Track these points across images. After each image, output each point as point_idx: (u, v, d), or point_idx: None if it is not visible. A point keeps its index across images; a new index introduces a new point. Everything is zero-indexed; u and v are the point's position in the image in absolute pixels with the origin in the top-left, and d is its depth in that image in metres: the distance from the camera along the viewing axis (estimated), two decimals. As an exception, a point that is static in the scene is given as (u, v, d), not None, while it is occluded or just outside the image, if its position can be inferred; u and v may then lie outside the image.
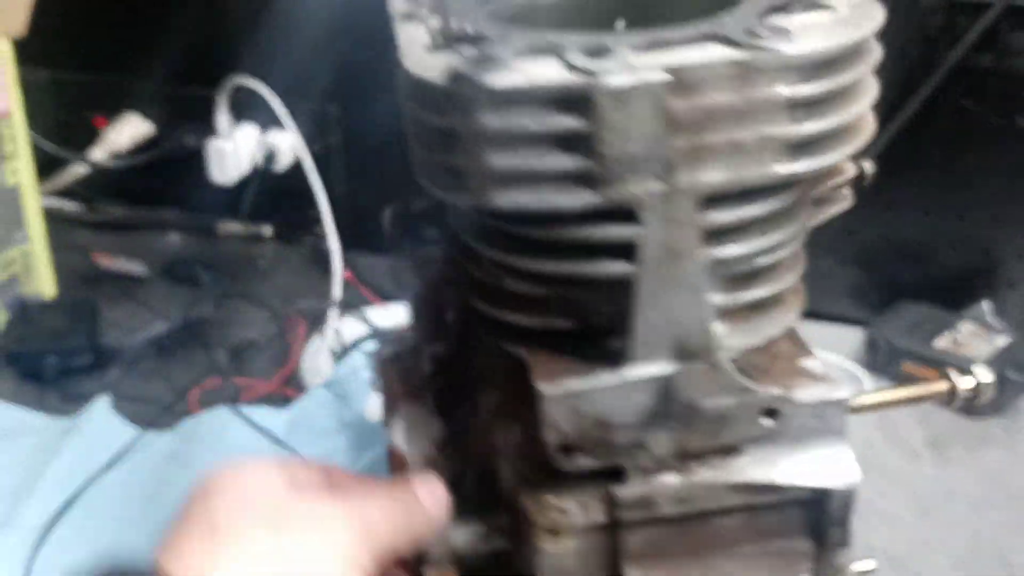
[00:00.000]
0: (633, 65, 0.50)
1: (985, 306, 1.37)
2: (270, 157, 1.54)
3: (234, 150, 1.53)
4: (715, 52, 0.52)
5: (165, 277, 1.53)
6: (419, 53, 0.54)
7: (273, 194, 1.59)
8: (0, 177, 1.37)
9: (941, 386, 0.66)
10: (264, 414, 1.20)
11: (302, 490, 0.53)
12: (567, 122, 0.50)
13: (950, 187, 1.35)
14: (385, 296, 1.43)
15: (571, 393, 0.55)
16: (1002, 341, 1.30)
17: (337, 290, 1.39)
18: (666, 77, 0.49)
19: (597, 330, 0.58)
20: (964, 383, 0.65)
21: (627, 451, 0.57)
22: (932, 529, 1.11)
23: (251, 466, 0.54)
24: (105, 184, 1.68)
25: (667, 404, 0.57)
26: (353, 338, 1.32)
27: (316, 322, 1.37)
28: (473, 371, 0.67)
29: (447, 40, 0.54)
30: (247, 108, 1.54)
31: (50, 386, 1.28)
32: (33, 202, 1.43)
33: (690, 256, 0.54)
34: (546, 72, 0.50)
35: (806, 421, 0.60)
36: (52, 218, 1.51)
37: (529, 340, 0.59)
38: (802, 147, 0.54)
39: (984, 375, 0.66)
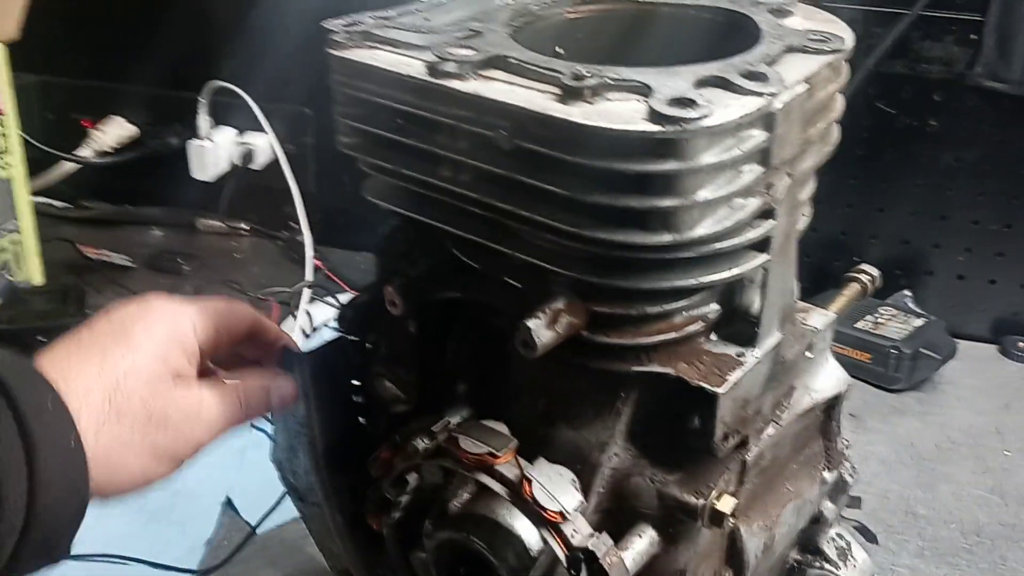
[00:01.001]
0: (785, 81, 0.55)
1: (906, 293, 1.50)
2: (247, 156, 1.65)
3: (214, 150, 1.63)
4: (813, 60, 0.59)
5: (148, 268, 1.62)
6: (563, 107, 0.53)
7: (250, 191, 1.69)
8: (-6, 171, 1.46)
9: (856, 287, 0.82)
10: (239, 386, 1.29)
11: (187, 369, 0.58)
12: (756, 142, 0.55)
13: (871, 183, 1.47)
14: (352, 286, 1.53)
15: (734, 385, 0.60)
16: (918, 322, 1.42)
17: (309, 275, 1.50)
18: (806, 86, 0.57)
19: (715, 325, 0.63)
20: (865, 278, 0.81)
21: (753, 420, 0.64)
22: (847, 486, 1.22)
23: (167, 315, 0.58)
24: (91, 183, 1.77)
25: (772, 367, 0.64)
26: (322, 320, 1.42)
27: (288, 306, 1.47)
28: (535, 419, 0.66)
29: (576, 89, 0.53)
30: (227, 111, 1.65)
31: (39, 364, 1.37)
32: (23, 195, 1.52)
33: (795, 236, 0.63)
34: (744, 102, 0.53)
35: (819, 344, 0.72)
36: (40, 215, 1.59)
37: (657, 356, 0.61)
38: (836, 128, 0.66)
39: (871, 268, 0.81)
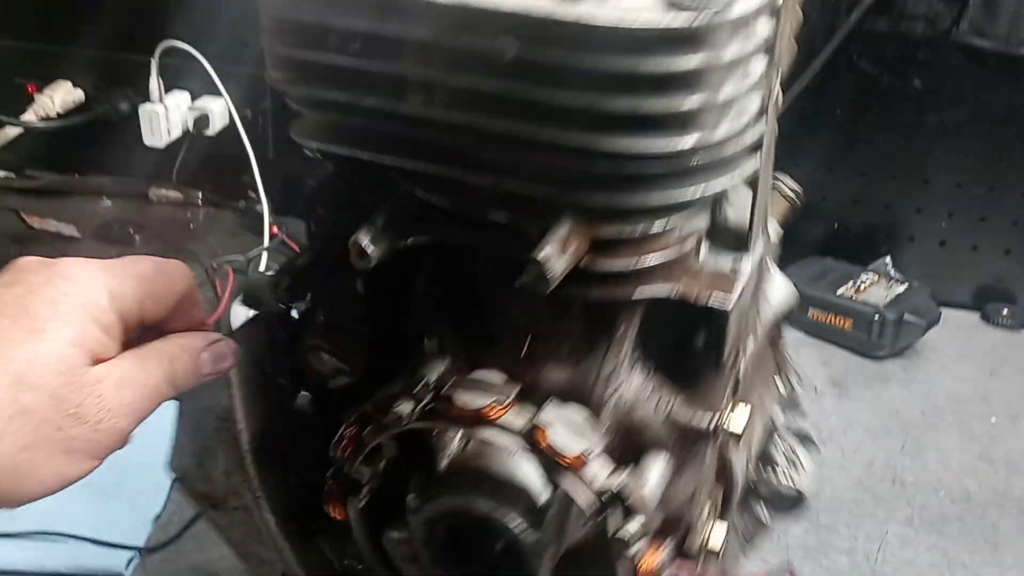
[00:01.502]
0: None
1: (887, 259, 1.46)
2: (202, 122, 1.57)
3: (166, 115, 1.56)
4: None
5: (97, 239, 1.55)
6: (570, 7, 0.49)
7: (205, 159, 1.62)
8: (-71, 133, 1.38)
9: (784, 203, 0.75)
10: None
11: (106, 347, 0.49)
12: (765, 33, 0.51)
13: (851, 146, 1.43)
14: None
15: (738, 299, 0.56)
16: (900, 288, 1.38)
17: (266, 240, 1.43)
18: None
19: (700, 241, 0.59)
20: (788, 192, 0.76)
21: (744, 334, 0.60)
22: (831, 454, 1.18)
23: (77, 285, 0.48)
24: (37, 151, 1.69)
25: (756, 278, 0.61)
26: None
27: (244, 273, 1.40)
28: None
29: None
30: (179, 73, 1.57)
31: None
32: (-38, 160, 1.44)
33: (774, 137, 0.58)
34: None
35: (772, 255, 0.68)
36: (-17, 184, 1.52)
37: (657, 276, 0.57)
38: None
39: (784, 177, 0.78)
